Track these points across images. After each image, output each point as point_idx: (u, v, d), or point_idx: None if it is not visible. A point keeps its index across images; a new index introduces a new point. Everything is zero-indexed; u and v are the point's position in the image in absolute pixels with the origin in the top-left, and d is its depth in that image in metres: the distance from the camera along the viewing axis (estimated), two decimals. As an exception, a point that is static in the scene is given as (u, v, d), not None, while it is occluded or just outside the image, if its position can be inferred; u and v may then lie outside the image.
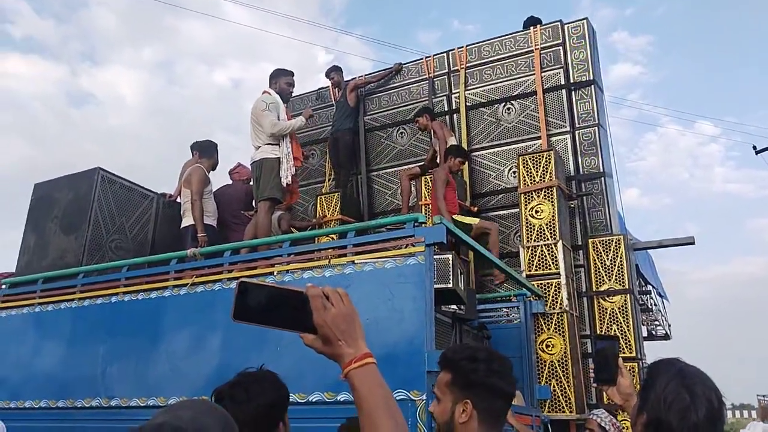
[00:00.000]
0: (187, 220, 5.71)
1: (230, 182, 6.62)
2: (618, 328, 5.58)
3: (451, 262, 3.79)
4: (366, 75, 7.91)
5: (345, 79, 7.83)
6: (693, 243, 6.62)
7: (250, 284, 1.03)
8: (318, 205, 7.16)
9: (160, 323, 4.18)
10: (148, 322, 4.21)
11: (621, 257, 5.77)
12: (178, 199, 6.07)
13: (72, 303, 4.61)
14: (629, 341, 5.50)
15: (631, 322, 5.57)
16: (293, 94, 6.21)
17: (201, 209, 5.61)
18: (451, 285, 3.75)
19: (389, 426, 1.02)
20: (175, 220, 5.91)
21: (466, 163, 6.47)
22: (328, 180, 7.74)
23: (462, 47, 7.25)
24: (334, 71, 7.81)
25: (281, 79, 5.68)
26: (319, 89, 8.34)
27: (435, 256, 3.58)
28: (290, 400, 3.52)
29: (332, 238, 5.52)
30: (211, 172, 6.11)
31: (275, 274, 4.07)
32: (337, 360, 1.06)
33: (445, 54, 7.36)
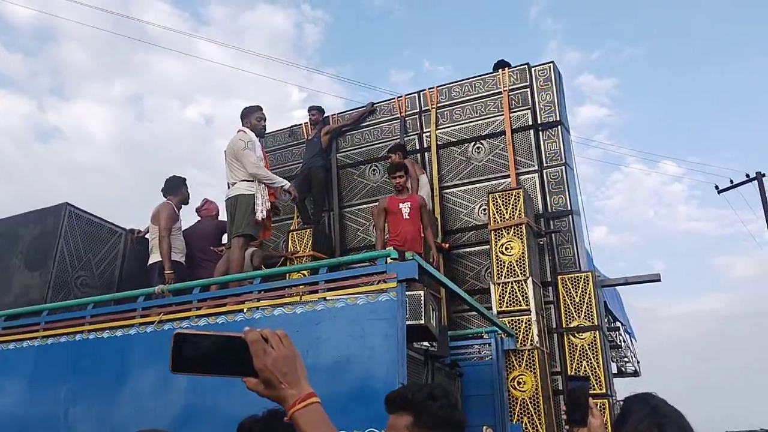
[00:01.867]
0: (155, 257, 5.63)
1: (200, 219, 6.56)
2: (588, 365, 5.63)
3: (423, 298, 3.80)
4: (339, 114, 8.01)
5: (322, 117, 7.93)
6: (659, 280, 6.74)
7: (187, 335, 1.02)
8: (290, 242, 7.15)
9: (125, 362, 4.07)
10: (113, 361, 4.09)
11: (590, 294, 5.86)
12: (147, 236, 5.99)
13: (35, 341, 4.47)
14: (599, 378, 5.55)
15: (600, 359, 5.62)
16: (267, 129, 6.22)
17: (168, 245, 5.54)
18: (423, 321, 3.75)
19: None
20: (143, 257, 5.82)
21: (398, 176, 6.07)
22: (296, 217, 7.74)
23: (433, 88, 7.42)
24: (316, 109, 7.90)
25: (251, 116, 5.66)
26: (292, 126, 8.40)
27: (407, 292, 3.59)
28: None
29: (304, 275, 5.49)
30: (183, 207, 6.06)
31: (245, 311, 4.02)
32: (281, 403, 1.05)
33: (416, 94, 7.52)
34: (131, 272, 5.81)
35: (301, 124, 8.22)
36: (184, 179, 6.22)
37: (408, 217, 5.76)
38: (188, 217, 6.41)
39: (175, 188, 6.07)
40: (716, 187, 16.72)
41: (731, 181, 16.38)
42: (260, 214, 5.22)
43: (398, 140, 7.32)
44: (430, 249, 5.88)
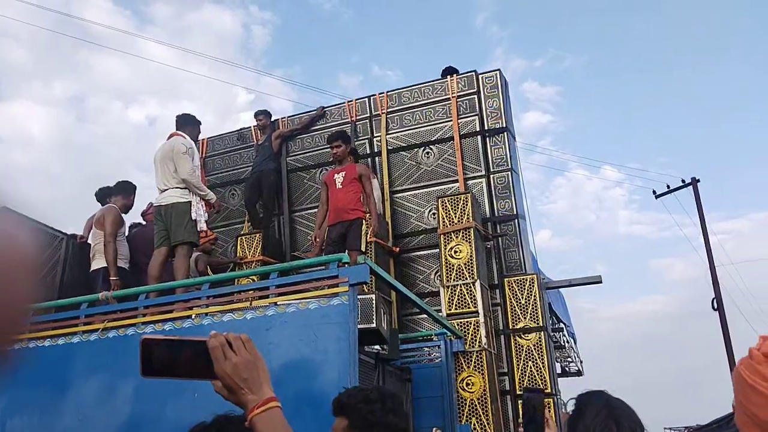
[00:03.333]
0: (98, 263, 5.47)
1: (144, 224, 6.41)
2: (533, 365, 5.78)
3: (374, 302, 3.84)
4: (289, 117, 7.98)
5: (270, 121, 7.88)
6: (600, 282, 6.99)
7: (153, 340, 1.05)
8: (238, 246, 7.06)
9: (68, 371, 3.95)
10: (55, 370, 3.97)
11: (535, 295, 6.02)
12: (89, 241, 5.81)
13: (-31, 352, 4.27)
14: (544, 378, 5.71)
15: (545, 359, 5.78)
16: (215, 133, 6.13)
17: (114, 251, 5.39)
18: (374, 325, 3.79)
19: None
20: (86, 263, 5.64)
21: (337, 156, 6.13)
22: (246, 221, 7.67)
23: (383, 93, 7.48)
24: (263, 114, 7.83)
25: (196, 128, 5.59)
26: (241, 129, 8.32)
27: (358, 296, 3.62)
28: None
29: (253, 280, 5.44)
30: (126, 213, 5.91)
31: (193, 317, 3.97)
32: (243, 407, 1.07)
33: (366, 99, 7.57)
34: (73, 279, 5.63)
35: (250, 127, 8.15)
36: (135, 187, 6.06)
37: (341, 186, 5.70)
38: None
39: (125, 191, 5.91)
40: (654, 192, 17.39)
41: (668, 186, 17.06)
42: (202, 225, 5.14)
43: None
44: (370, 218, 5.78)
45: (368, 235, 5.71)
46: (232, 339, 1.07)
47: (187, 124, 5.49)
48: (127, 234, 5.91)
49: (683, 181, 16.61)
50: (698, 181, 16.30)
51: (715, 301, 14.75)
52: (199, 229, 5.16)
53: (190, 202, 5.14)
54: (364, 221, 5.61)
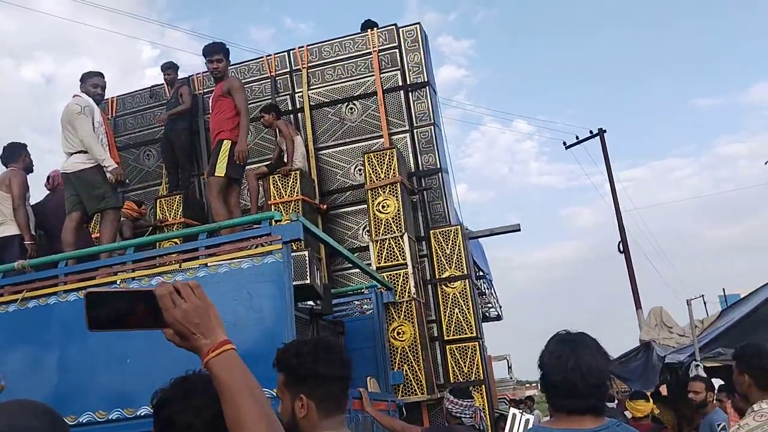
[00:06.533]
0: (8, 228, 5.14)
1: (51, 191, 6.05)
2: (459, 312, 6.03)
3: (307, 258, 3.86)
4: (204, 74, 7.64)
5: (179, 77, 7.56)
6: (519, 230, 7.32)
7: (98, 293, 1.04)
8: (158, 209, 6.82)
9: (-13, 345, 3.76)
10: (-29, 345, 3.77)
11: (459, 246, 6.24)
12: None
13: None
14: (470, 323, 5.98)
15: (470, 305, 6.05)
16: (105, 96, 5.73)
17: (26, 214, 5.10)
18: (308, 281, 3.83)
19: (252, 407, 1.03)
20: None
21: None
22: (164, 182, 7.41)
23: (303, 47, 7.32)
24: (171, 68, 7.49)
25: (87, 81, 5.16)
26: (153, 86, 7.95)
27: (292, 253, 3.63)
28: (140, 413, 3.37)
29: (176, 242, 5.30)
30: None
31: (119, 282, 3.86)
32: (197, 353, 1.07)
33: (285, 53, 7.38)
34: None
35: (163, 84, 7.79)
36: (25, 145, 5.70)
37: (211, 108, 5.50)
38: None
39: (15, 154, 5.54)
40: (564, 144, 18.13)
41: (577, 138, 17.82)
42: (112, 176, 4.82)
43: (270, 100, 7.18)
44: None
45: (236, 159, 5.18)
46: (180, 286, 1.06)
47: (83, 80, 5.15)
48: (35, 201, 5.60)
49: (591, 132, 17.39)
50: (605, 131, 17.12)
51: (621, 244, 15.75)
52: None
53: (96, 165, 4.87)
54: (226, 142, 5.18)
